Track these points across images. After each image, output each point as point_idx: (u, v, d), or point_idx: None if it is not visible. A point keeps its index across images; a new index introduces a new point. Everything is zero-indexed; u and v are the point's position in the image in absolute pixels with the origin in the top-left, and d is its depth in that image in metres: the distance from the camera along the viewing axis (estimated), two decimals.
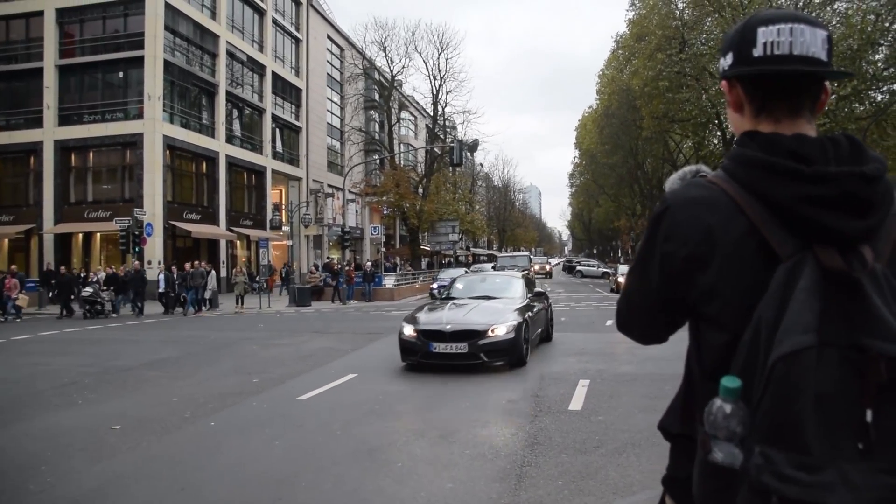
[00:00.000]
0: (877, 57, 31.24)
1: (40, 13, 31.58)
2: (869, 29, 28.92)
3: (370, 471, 5.38)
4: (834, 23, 31.14)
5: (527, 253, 46.06)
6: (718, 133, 38.99)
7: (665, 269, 1.29)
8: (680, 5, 34.63)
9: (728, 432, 1.09)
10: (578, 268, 62.80)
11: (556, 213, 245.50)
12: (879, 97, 32.46)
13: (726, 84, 1.34)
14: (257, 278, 30.20)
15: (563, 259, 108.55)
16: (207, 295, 24.52)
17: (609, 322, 17.54)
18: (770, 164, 1.19)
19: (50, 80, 31.30)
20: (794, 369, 1.04)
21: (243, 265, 25.44)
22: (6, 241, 32.82)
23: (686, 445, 1.34)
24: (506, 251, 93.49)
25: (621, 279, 30.45)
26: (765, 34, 1.23)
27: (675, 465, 1.43)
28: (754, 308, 1.15)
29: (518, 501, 4.64)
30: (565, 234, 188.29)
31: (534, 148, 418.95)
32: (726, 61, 1.31)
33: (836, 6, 32.01)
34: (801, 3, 31.62)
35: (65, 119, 31.71)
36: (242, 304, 24.94)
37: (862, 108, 31.42)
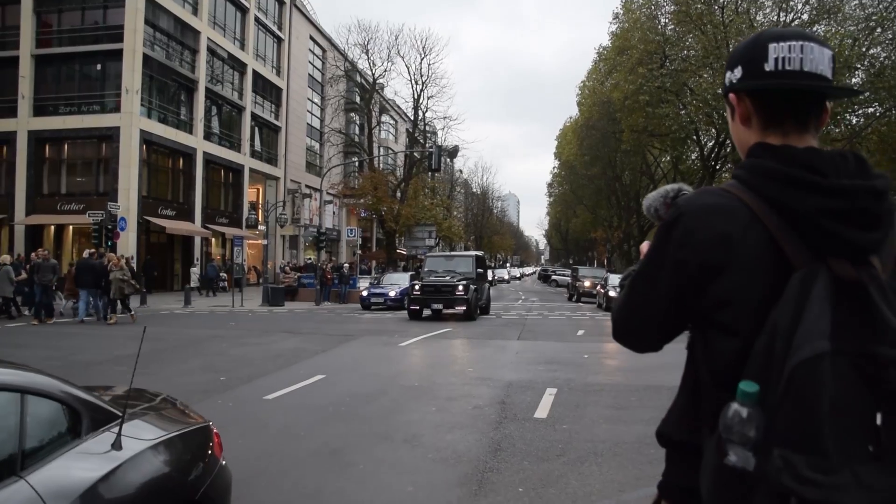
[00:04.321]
0: (853, 80, 31.85)
1: (17, 2, 31.01)
2: (847, 53, 29.48)
3: (331, 472, 5.36)
4: None
5: (475, 253, 26.71)
6: (697, 149, 39.49)
7: (677, 276, 1.30)
8: (663, 21, 35.04)
9: (743, 437, 1.10)
10: (553, 277, 63.34)
11: (533, 222, 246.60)
12: (854, 120, 33.11)
13: (734, 97, 1.37)
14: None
15: (539, 268, 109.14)
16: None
17: (581, 332, 17.65)
18: (788, 175, 1.23)
19: (25, 70, 30.77)
20: (813, 374, 1.07)
21: (122, 259, 18.94)
22: None
23: (687, 452, 1.35)
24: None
25: (614, 293, 24.67)
26: (776, 50, 1.28)
27: (673, 471, 1.44)
28: (766, 315, 1.17)
29: None
30: (542, 243, 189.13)
31: (500, 156, 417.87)
32: (734, 75, 1.35)
33: (815, 28, 32.60)
34: (779, 26, 32.19)
35: (40, 109, 31.18)
36: (126, 308, 18.34)
37: (838, 130, 31.99)
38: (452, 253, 30.17)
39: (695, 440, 1.31)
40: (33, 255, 18.82)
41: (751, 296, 1.23)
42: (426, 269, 22.93)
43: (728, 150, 36.26)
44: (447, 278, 21.27)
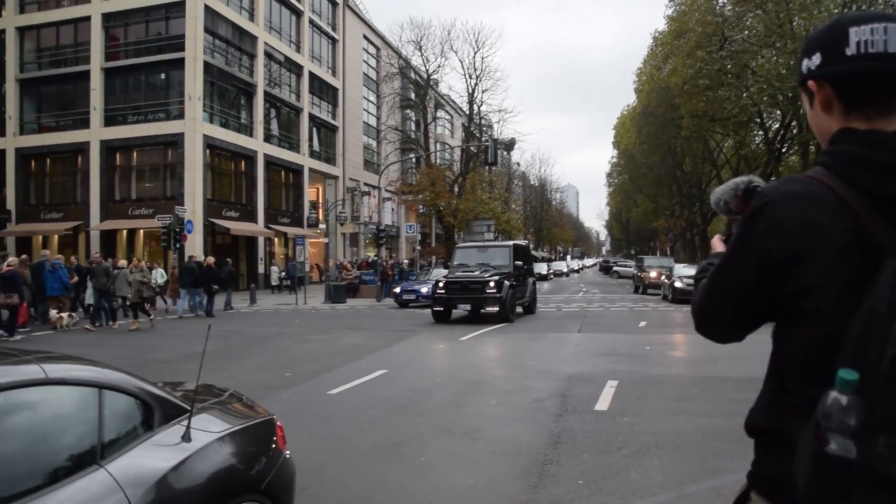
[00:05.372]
0: None
1: (87, 18, 32.56)
2: None
3: (393, 464, 5.47)
4: None
5: (513, 242, 23.34)
6: (760, 132, 38.25)
7: (763, 264, 1.30)
8: (721, 1, 34.07)
9: (843, 425, 1.10)
10: (615, 268, 62.29)
11: (592, 212, 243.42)
12: None
13: (813, 84, 1.35)
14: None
15: (600, 259, 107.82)
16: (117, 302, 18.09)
17: (643, 323, 17.39)
18: (877, 160, 1.23)
19: (96, 83, 32.19)
20: None
21: (142, 259, 18.26)
22: (55, 237, 33.85)
23: (777, 441, 1.34)
24: (542, 251, 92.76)
25: (680, 283, 23.67)
26: (857, 33, 1.27)
27: (763, 461, 1.43)
28: (856, 301, 1.17)
29: (536, 499, 4.68)
30: (603, 234, 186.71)
31: (556, 147, 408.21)
32: (812, 62, 1.34)
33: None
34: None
35: (110, 119, 32.60)
36: (144, 313, 17.32)
37: None
38: (486, 243, 24.27)
39: (785, 429, 1.30)
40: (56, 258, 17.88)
41: (839, 282, 1.22)
42: (455, 263, 19.79)
43: (794, 131, 35.03)
44: (476, 273, 18.08)
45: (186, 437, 2.79)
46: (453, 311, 18.35)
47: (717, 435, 6.09)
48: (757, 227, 1.31)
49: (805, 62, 1.36)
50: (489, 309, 17.49)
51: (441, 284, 18.17)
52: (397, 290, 25.94)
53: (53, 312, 16.63)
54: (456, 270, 18.92)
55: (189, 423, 2.85)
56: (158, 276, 22.74)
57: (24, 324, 16.22)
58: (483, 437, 6.28)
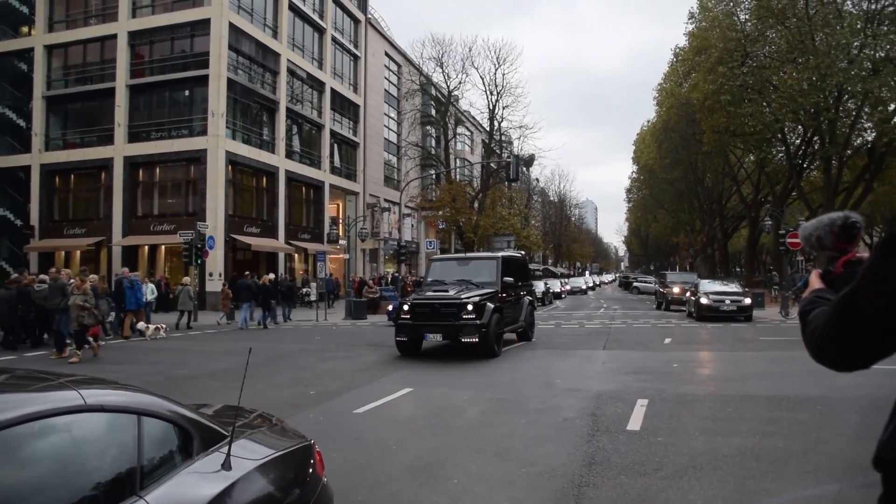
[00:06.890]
0: None
1: (114, 36, 33.09)
2: None
3: (426, 487, 5.37)
4: None
5: (502, 254, 17.56)
6: (782, 148, 37.96)
7: None
8: (742, 17, 33.98)
9: None
10: (635, 284, 61.49)
11: (611, 228, 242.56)
12: None
13: None
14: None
15: (619, 275, 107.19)
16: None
17: (668, 340, 17.16)
18: None
19: (121, 99, 32.63)
20: None
21: (89, 277, 14.87)
22: (78, 252, 34.21)
23: None
24: (560, 266, 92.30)
25: (706, 300, 23.20)
26: None
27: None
28: None
29: None
30: (622, 250, 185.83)
31: (572, 164, 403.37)
32: None
33: None
34: (871, 12, 30.66)
35: (134, 136, 32.97)
36: (84, 342, 14.22)
37: None
38: (468, 255, 19.45)
39: None
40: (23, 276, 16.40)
41: None
42: (429, 280, 15.79)
43: (816, 146, 34.70)
44: (451, 293, 13.95)
45: (226, 465, 2.66)
46: (423, 341, 14.54)
47: (756, 456, 5.94)
48: (894, 255, 1.26)
49: None
50: (466, 339, 13.59)
51: (406, 308, 14.21)
52: (390, 307, 25.16)
53: (142, 324, 18.20)
54: (427, 289, 14.91)
55: (229, 450, 2.73)
56: (149, 291, 21.78)
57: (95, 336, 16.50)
58: (515, 457, 6.16)
